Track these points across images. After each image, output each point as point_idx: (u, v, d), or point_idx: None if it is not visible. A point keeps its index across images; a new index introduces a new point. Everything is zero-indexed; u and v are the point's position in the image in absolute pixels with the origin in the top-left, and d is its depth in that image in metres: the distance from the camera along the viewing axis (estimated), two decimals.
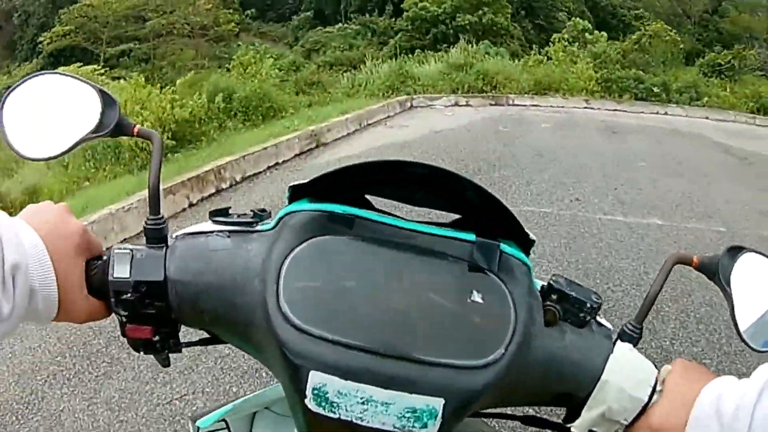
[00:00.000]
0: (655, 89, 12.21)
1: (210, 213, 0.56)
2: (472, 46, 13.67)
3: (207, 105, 7.33)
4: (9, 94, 0.57)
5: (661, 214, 4.66)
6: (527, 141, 7.39)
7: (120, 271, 0.51)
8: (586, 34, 15.05)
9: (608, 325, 0.56)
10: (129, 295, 0.51)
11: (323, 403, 0.47)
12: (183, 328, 0.56)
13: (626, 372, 0.51)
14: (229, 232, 0.54)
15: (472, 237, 0.53)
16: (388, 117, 8.84)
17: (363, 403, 0.46)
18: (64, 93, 0.57)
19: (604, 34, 15.40)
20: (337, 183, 0.55)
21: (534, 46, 15.99)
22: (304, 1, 24.76)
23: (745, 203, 5.18)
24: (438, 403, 0.46)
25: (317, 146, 6.46)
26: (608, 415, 0.51)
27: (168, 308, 0.52)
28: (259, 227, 0.55)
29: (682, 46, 15.50)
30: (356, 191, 0.58)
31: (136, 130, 0.57)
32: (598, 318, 0.55)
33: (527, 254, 0.56)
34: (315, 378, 0.47)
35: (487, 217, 0.55)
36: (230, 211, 0.57)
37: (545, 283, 0.55)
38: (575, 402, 0.53)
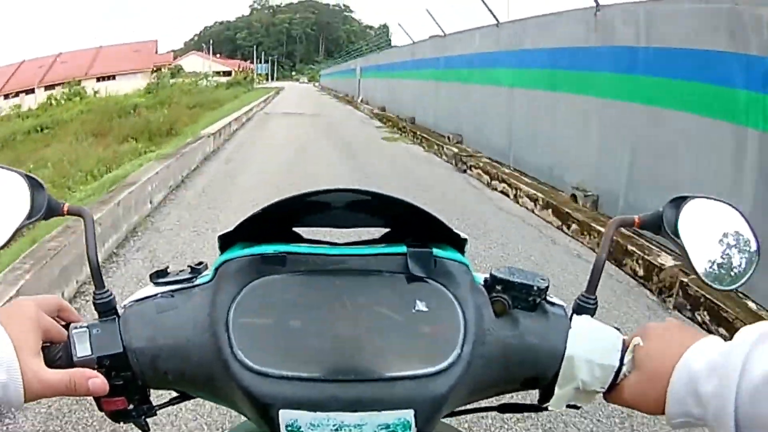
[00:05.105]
0: None
1: (150, 276, 0.57)
2: None
3: None
4: None
5: None
6: None
7: (82, 350, 0.52)
8: None
9: (560, 302, 0.57)
10: (95, 371, 0.52)
11: None
12: (154, 391, 0.56)
13: (590, 343, 0.53)
14: (172, 291, 0.56)
15: (403, 249, 0.54)
16: None
17: (337, 430, 0.48)
18: None
19: None
20: (264, 224, 0.56)
21: None
22: None
23: None
24: (408, 414, 0.48)
25: None
26: (583, 388, 0.53)
27: (134, 376, 0.53)
28: (198, 281, 0.56)
29: None
30: (284, 227, 0.59)
31: (65, 208, 0.57)
32: (548, 298, 0.56)
33: (462, 253, 0.56)
34: (286, 416, 0.48)
35: (416, 226, 0.56)
36: (169, 270, 0.58)
37: (487, 276, 0.55)
38: (545, 382, 0.54)
